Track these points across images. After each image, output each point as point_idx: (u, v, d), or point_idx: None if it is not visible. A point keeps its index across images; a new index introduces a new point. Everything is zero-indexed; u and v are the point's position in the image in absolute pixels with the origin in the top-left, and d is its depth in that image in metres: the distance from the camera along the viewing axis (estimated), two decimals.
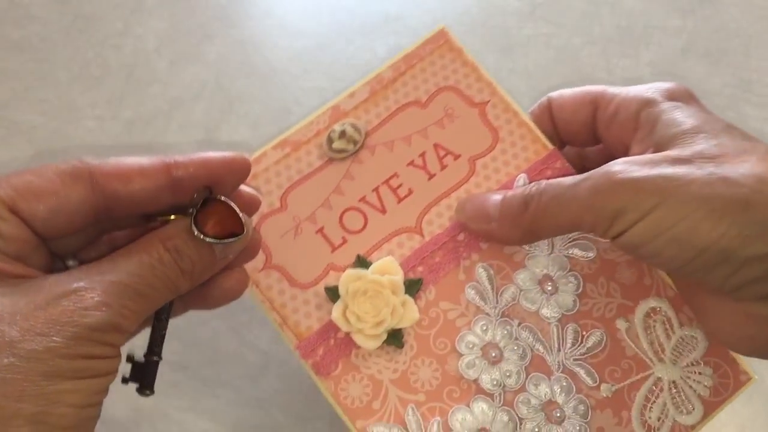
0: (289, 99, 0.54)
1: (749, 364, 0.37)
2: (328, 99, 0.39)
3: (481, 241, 0.37)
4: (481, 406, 0.35)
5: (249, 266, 0.36)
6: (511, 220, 0.34)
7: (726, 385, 0.36)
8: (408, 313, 0.36)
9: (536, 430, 0.35)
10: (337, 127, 0.38)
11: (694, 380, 0.36)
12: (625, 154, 0.35)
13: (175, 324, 0.31)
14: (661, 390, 0.36)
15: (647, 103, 0.34)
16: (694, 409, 0.36)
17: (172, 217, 0.29)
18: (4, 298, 0.24)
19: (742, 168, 0.29)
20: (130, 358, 0.30)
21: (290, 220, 0.37)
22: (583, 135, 0.38)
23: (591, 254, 0.37)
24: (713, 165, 0.29)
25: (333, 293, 0.36)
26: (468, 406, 0.35)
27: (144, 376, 0.29)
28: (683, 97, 0.34)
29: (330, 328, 0.36)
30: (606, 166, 0.31)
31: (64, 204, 0.26)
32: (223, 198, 0.29)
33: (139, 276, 0.26)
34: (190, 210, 0.28)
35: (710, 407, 0.36)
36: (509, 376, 0.35)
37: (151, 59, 0.57)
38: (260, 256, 0.36)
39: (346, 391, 0.35)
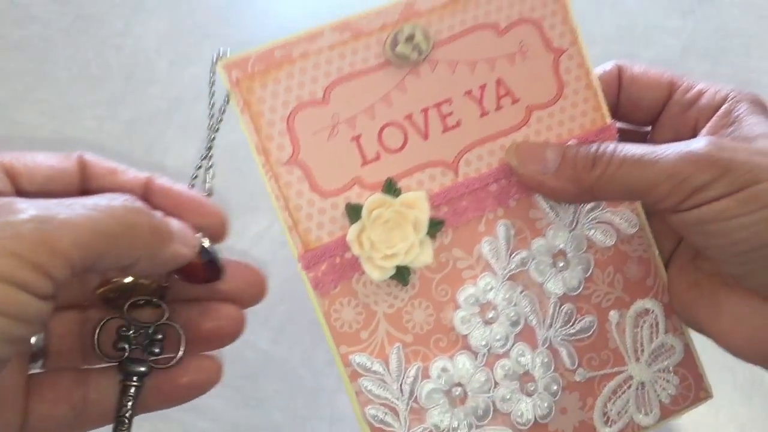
0: None
1: (712, 384, 0.38)
2: None
3: (517, 194, 0.35)
4: (463, 361, 0.34)
5: (273, 156, 0.32)
6: (572, 175, 0.33)
7: (686, 397, 0.37)
8: (423, 255, 0.33)
9: (508, 396, 0.35)
10: (407, 29, 0.33)
11: (660, 386, 0.37)
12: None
13: None
14: (629, 387, 0.37)
15: (733, 98, 0.34)
16: (651, 412, 0.37)
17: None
18: None
19: None
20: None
21: (328, 118, 0.32)
22: (644, 113, 0.37)
23: (610, 242, 0.36)
24: None
25: (354, 212, 0.32)
26: (451, 358, 0.34)
27: None
28: (763, 106, 0.34)
29: (339, 245, 0.32)
30: (694, 140, 0.31)
31: (58, 175, 0.28)
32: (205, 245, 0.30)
33: (95, 209, 0.25)
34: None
35: (666, 413, 0.37)
36: (498, 340, 0.34)
37: (151, 59, 0.58)
38: (287, 147, 0.32)
39: (338, 313, 0.33)
